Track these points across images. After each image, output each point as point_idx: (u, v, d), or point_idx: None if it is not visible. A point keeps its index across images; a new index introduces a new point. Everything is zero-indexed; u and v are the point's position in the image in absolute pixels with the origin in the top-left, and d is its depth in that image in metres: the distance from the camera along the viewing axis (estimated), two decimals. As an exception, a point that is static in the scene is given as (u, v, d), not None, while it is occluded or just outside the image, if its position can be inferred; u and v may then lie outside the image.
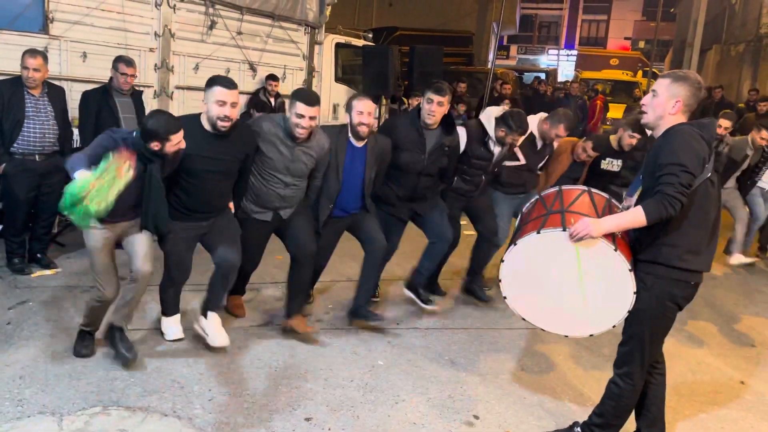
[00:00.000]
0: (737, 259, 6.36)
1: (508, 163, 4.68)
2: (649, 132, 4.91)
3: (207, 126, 3.44)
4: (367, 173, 3.99)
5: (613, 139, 5.04)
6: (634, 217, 2.61)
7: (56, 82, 5.13)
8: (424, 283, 4.57)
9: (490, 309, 4.73)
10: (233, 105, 3.39)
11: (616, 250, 2.70)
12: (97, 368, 3.41)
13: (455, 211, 4.59)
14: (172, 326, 3.84)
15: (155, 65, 6.46)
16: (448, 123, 4.22)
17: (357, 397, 3.37)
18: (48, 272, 4.77)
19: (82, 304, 4.20)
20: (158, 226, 3.36)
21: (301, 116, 3.57)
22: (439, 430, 3.12)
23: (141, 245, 3.40)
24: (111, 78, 5.08)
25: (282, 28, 7.80)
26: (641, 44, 35.90)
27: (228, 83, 3.40)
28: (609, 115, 13.35)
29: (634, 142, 4.87)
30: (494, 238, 4.72)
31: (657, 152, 2.62)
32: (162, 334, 3.83)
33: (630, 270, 2.70)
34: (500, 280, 3.01)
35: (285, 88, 7.79)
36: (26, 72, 4.52)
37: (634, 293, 2.73)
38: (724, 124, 6.00)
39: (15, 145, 4.52)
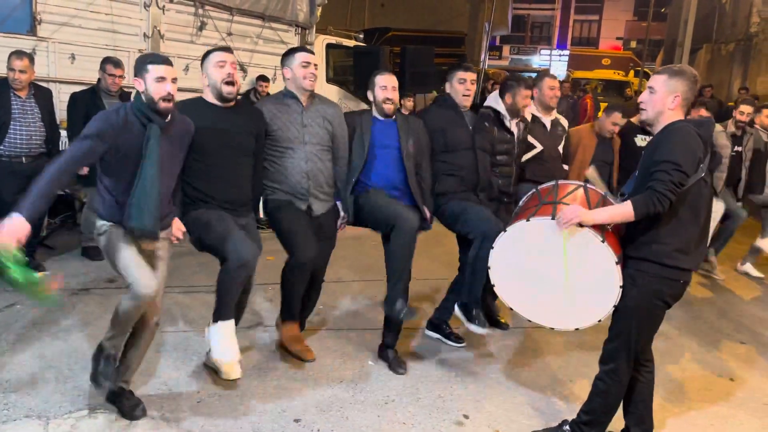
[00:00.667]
0: (748, 269, 6.17)
1: (527, 156, 4.36)
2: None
3: (212, 99, 3.22)
4: (403, 143, 3.66)
5: (634, 120, 4.99)
6: (622, 210, 2.64)
7: (44, 84, 5.11)
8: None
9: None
10: (233, 65, 3.20)
11: (603, 241, 2.70)
12: (84, 372, 3.37)
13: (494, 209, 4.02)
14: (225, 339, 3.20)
15: (144, 66, 6.44)
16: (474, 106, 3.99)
17: (347, 397, 3.35)
18: (36, 275, 4.72)
19: (71, 307, 4.19)
20: (143, 221, 2.75)
21: (304, 62, 3.45)
22: (428, 429, 3.11)
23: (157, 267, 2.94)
24: (99, 79, 5.05)
25: (272, 29, 7.80)
26: (633, 44, 36.04)
27: (224, 48, 3.28)
28: (600, 114, 13.39)
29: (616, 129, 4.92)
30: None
31: (654, 149, 2.63)
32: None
33: (617, 263, 2.70)
34: (489, 267, 3.03)
35: (275, 88, 7.76)
36: (12, 74, 4.51)
37: (620, 287, 2.72)
38: (746, 110, 5.68)
39: (1, 147, 4.50)
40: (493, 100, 4.17)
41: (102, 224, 2.86)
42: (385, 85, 3.65)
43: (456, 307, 3.76)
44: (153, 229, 2.79)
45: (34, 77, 4.74)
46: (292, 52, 3.59)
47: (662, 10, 25.63)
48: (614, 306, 2.76)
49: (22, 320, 3.98)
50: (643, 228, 2.67)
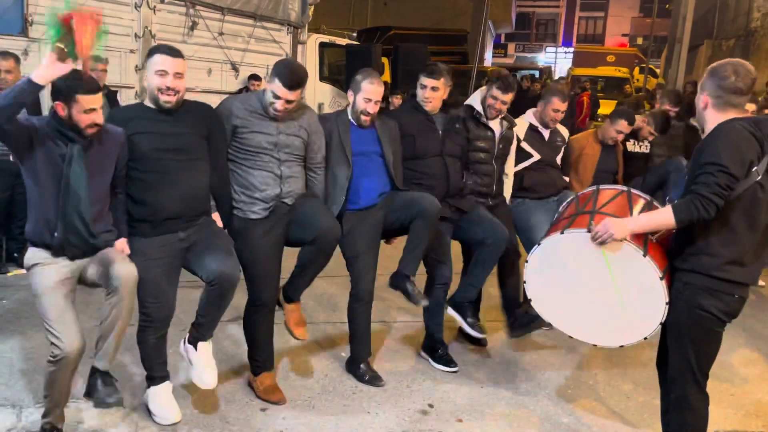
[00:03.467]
0: None
1: (522, 165, 4.24)
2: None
3: (150, 104, 2.88)
4: (385, 149, 3.46)
5: (640, 121, 4.93)
6: (662, 217, 2.46)
7: (34, 84, 5.21)
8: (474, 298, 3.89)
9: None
10: (177, 75, 2.81)
11: (645, 255, 2.53)
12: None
13: (481, 210, 3.90)
14: (163, 403, 3.00)
15: (136, 66, 6.54)
16: (445, 105, 3.82)
17: (316, 388, 3.43)
18: (23, 271, 4.83)
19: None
20: (77, 238, 2.62)
21: (277, 98, 3.02)
22: (393, 418, 3.18)
23: (112, 252, 2.74)
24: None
25: (264, 28, 7.89)
26: (639, 41, 35.93)
27: (170, 50, 2.85)
28: (600, 111, 13.39)
29: (648, 136, 4.86)
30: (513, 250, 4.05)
31: (700, 152, 2.44)
32: (149, 412, 3.02)
33: (661, 278, 2.53)
34: (524, 282, 2.91)
35: (267, 87, 7.86)
36: (-2, 74, 4.60)
37: (666, 304, 2.54)
38: (750, 108, 5.27)
39: (-12, 145, 4.59)
40: (473, 98, 4.07)
41: (31, 256, 2.69)
42: (370, 98, 3.36)
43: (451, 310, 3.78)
44: (90, 246, 2.68)
45: (21, 77, 4.83)
46: (272, 75, 3.10)
47: (666, 7, 25.53)
48: (661, 323, 2.60)
49: (9, 315, 4.10)
50: (691, 238, 2.47)
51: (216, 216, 3.10)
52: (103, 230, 2.75)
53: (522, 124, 4.32)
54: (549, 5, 38.77)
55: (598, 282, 2.69)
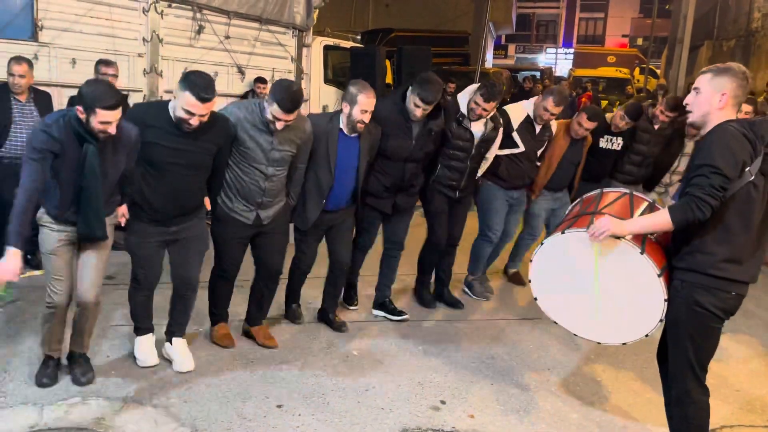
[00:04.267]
0: None
1: (506, 152, 4.49)
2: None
3: (173, 115, 3.10)
4: (361, 164, 3.81)
5: (608, 116, 5.08)
6: (660, 219, 2.53)
7: (46, 88, 5.27)
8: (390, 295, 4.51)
9: (467, 299, 4.86)
10: (201, 117, 3.06)
11: (642, 253, 2.61)
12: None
13: (442, 207, 4.39)
14: (146, 350, 3.55)
15: (144, 70, 6.60)
16: (434, 108, 3.97)
17: (329, 385, 3.49)
18: (37, 272, 4.90)
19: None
20: (91, 228, 3.02)
21: (276, 119, 3.32)
22: (405, 414, 3.25)
23: (90, 268, 3.17)
24: (96, 82, 5.22)
25: (270, 31, 7.94)
26: (639, 41, 36.00)
27: (202, 93, 2.98)
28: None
29: (622, 125, 4.95)
30: (454, 243, 4.63)
31: (696, 153, 2.53)
32: (134, 358, 3.55)
33: (659, 275, 2.60)
34: (530, 281, 3.01)
35: (273, 90, 7.93)
36: (12, 78, 4.68)
37: (665, 301, 2.62)
38: (746, 108, 5.32)
39: (2, 149, 4.67)
40: (462, 96, 4.25)
41: (40, 215, 3.08)
42: (366, 110, 3.59)
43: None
44: (101, 235, 3.09)
45: (33, 81, 4.91)
46: (271, 96, 3.33)
47: (666, 7, 25.60)
48: (661, 320, 2.68)
49: (23, 315, 4.15)
50: (687, 237, 2.54)
51: (206, 200, 3.55)
52: (109, 207, 3.18)
53: (520, 113, 4.57)
54: (549, 6, 38.85)
55: (599, 281, 2.77)
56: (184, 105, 3.01)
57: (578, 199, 3.29)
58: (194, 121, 3.05)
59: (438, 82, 3.87)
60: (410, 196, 4.26)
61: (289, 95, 3.27)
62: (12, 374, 3.38)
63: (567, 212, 3.30)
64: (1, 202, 4.76)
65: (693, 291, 2.53)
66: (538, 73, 19.55)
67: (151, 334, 3.60)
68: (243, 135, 3.39)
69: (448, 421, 3.22)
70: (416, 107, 3.83)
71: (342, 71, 9.78)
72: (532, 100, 4.70)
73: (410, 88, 3.88)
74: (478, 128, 4.18)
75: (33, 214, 2.95)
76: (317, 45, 9.08)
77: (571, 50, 35.89)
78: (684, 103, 2.66)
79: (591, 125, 4.73)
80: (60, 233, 3.08)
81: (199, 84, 2.99)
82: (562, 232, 2.86)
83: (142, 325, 3.58)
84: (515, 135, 4.50)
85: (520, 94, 12.52)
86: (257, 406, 3.24)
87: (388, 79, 10.83)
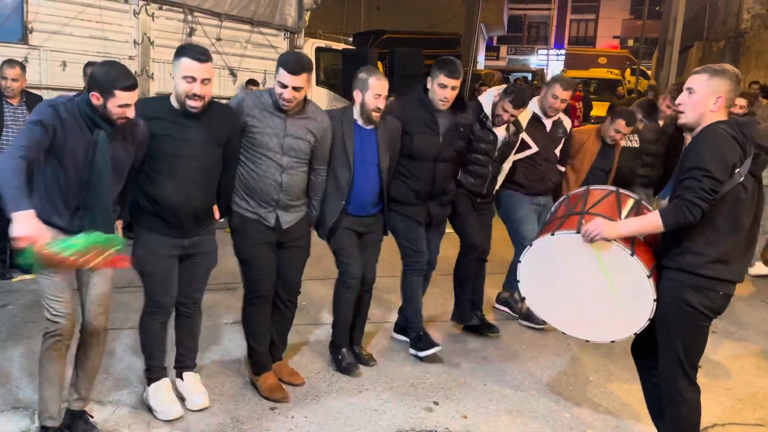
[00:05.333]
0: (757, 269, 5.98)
1: (520, 155, 4.28)
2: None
3: (175, 104, 2.91)
4: (382, 159, 3.51)
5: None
6: (651, 222, 2.55)
7: (36, 91, 5.26)
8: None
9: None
10: (204, 82, 2.84)
11: (633, 255, 2.63)
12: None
13: (469, 207, 4.12)
14: (166, 398, 3.09)
15: (135, 72, 6.58)
16: (458, 102, 3.74)
17: (323, 387, 3.50)
18: (28, 277, 4.88)
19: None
20: (98, 227, 2.56)
21: (284, 86, 3.04)
22: (399, 416, 3.25)
23: (97, 288, 2.76)
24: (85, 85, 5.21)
25: (261, 33, 7.94)
26: (630, 42, 36.21)
27: (199, 55, 2.82)
28: (593, 113, 13.52)
29: (638, 123, 4.82)
30: (484, 256, 4.25)
31: (686, 155, 2.52)
32: (150, 410, 3.10)
33: (648, 276, 2.63)
34: (518, 281, 3.01)
35: (265, 92, 7.93)
36: (4, 82, 4.67)
37: (654, 301, 2.64)
38: (740, 102, 5.42)
39: (-7, 153, 4.64)
40: (486, 98, 4.08)
41: None
42: (380, 94, 3.39)
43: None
44: (100, 228, 2.64)
45: (26, 85, 4.89)
46: (278, 66, 3.10)
47: (657, 9, 25.77)
48: (649, 319, 2.70)
49: (14, 320, 4.14)
50: (677, 238, 2.56)
51: (214, 208, 3.20)
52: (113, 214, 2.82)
53: (525, 113, 4.23)
54: (540, 8, 39.02)
55: (589, 281, 2.80)
56: (184, 72, 2.82)
57: (564, 197, 3.26)
58: (198, 89, 2.82)
59: (458, 63, 3.68)
60: (443, 206, 3.93)
61: (294, 57, 3.17)
62: (4, 379, 3.37)
63: (553, 209, 3.23)
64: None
65: (682, 290, 2.55)
66: (530, 75, 19.63)
67: (166, 378, 3.18)
68: (252, 120, 3.12)
69: (441, 421, 3.23)
70: (442, 88, 3.58)
71: (334, 73, 9.79)
72: (535, 98, 4.52)
73: (431, 75, 3.66)
74: (500, 131, 4.06)
75: (30, 178, 2.47)
76: (309, 47, 9.10)
77: (563, 52, 36.04)
78: (676, 103, 2.64)
79: (628, 130, 4.57)
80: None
81: (193, 48, 2.90)
82: (552, 234, 2.86)
83: (157, 363, 3.15)
84: (525, 135, 4.27)
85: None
86: (250, 408, 3.24)
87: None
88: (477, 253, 4.13)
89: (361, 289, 3.63)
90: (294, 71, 3.03)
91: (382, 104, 3.42)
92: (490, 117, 3.99)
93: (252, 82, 7.68)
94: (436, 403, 3.40)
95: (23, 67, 4.81)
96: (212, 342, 3.95)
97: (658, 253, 2.72)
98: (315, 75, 9.26)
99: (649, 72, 24.59)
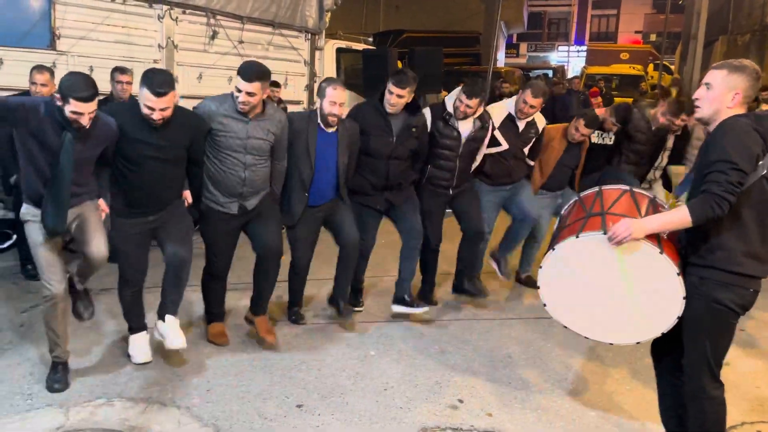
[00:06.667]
0: None
1: (490, 151, 4.60)
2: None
3: (144, 111, 3.26)
4: (341, 158, 3.98)
5: (599, 112, 5.10)
6: (679, 217, 2.49)
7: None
8: (409, 290, 4.46)
9: (482, 301, 4.86)
10: (162, 111, 3.21)
11: (662, 252, 2.60)
12: (102, 364, 3.62)
13: (438, 207, 4.49)
14: (139, 347, 3.65)
15: (159, 76, 6.68)
16: (412, 106, 4.18)
17: (348, 384, 3.53)
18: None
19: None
20: (55, 223, 3.03)
21: (239, 91, 3.49)
22: (424, 413, 3.28)
23: (91, 228, 3.22)
24: (112, 90, 5.32)
25: (282, 35, 8.00)
26: (653, 37, 35.71)
27: (157, 88, 3.15)
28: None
29: (612, 128, 4.95)
30: (479, 236, 4.63)
31: (707, 148, 2.49)
32: (129, 356, 3.66)
33: (678, 274, 2.60)
34: (539, 287, 2.96)
35: (287, 94, 7.99)
36: (34, 87, 4.77)
37: (684, 298, 2.61)
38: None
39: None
40: (449, 97, 4.41)
41: (25, 211, 3.21)
42: (335, 101, 3.82)
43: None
44: (61, 229, 3.11)
45: (55, 90, 4.99)
46: (238, 72, 3.55)
47: (680, 2, 25.36)
48: (678, 317, 2.66)
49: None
50: (704, 234, 2.53)
51: (187, 193, 3.66)
52: (81, 192, 3.22)
53: (501, 111, 4.65)
54: (561, 4, 38.69)
55: (616, 282, 2.76)
56: (143, 101, 3.21)
57: (574, 200, 3.22)
58: (156, 116, 3.21)
59: (410, 74, 4.12)
60: (401, 190, 4.33)
61: (249, 65, 3.58)
62: (37, 377, 3.46)
63: (565, 213, 3.21)
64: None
65: (712, 288, 2.53)
66: (550, 72, 19.49)
67: (145, 332, 3.71)
68: (217, 125, 3.58)
69: (466, 419, 3.25)
70: (390, 94, 4.03)
71: (355, 73, 9.80)
72: (513, 98, 4.81)
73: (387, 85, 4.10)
74: (465, 127, 4.35)
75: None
76: (330, 48, 9.14)
77: (584, 48, 35.69)
78: (693, 98, 2.63)
79: (587, 131, 4.81)
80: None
81: (154, 80, 3.19)
82: (576, 236, 2.81)
83: (134, 324, 3.69)
84: (497, 133, 4.59)
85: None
86: (277, 406, 3.28)
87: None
88: (431, 247, 4.56)
89: (351, 253, 4.16)
90: (249, 79, 3.47)
91: (337, 110, 3.84)
92: (453, 113, 4.31)
93: (273, 84, 7.74)
94: (460, 401, 3.41)
95: (52, 73, 4.91)
96: (240, 341, 4.02)
97: (685, 250, 2.69)
98: (335, 76, 9.30)
99: (672, 67, 24.25)
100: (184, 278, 3.61)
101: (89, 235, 3.24)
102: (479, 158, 4.60)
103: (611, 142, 5.04)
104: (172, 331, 3.57)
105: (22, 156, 3.10)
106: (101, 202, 3.39)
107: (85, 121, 2.96)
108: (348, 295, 4.39)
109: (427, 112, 4.38)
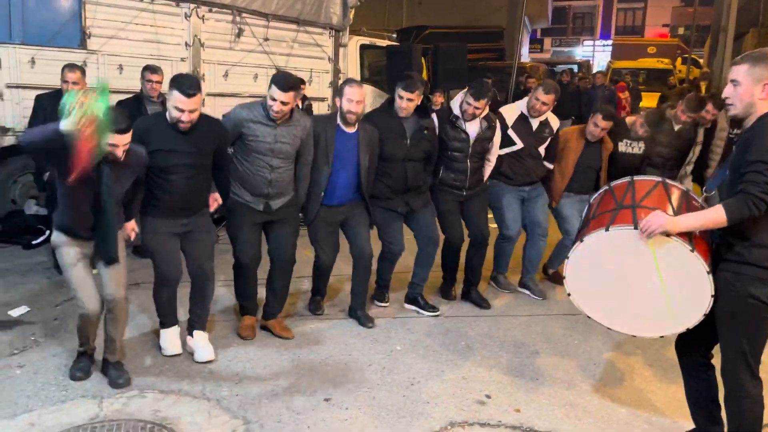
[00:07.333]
0: None
1: (505, 150, 4.64)
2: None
3: (170, 120, 3.43)
4: (362, 158, 4.03)
5: (628, 121, 5.04)
6: (714, 216, 2.49)
7: (95, 94, 5.47)
8: (421, 291, 4.57)
9: (509, 296, 4.86)
10: (191, 112, 3.35)
11: (693, 250, 2.58)
12: (135, 357, 3.68)
13: (454, 206, 4.54)
14: (170, 340, 3.76)
15: (186, 74, 6.77)
16: (421, 108, 4.27)
17: (375, 379, 3.55)
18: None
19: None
20: (108, 252, 3.24)
21: (274, 99, 3.63)
22: (451, 408, 3.28)
23: (112, 268, 3.32)
24: (141, 88, 5.40)
25: (307, 32, 8.04)
26: (680, 30, 35.10)
27: (187, 90, 3.30)
28: (642, 104, 13.19)
29: (641, 132, 4.88)
30: (484, 242, 4.65)
31: (745, 146, 2.45)
32: (160, 348, 3.76)
33: (708, 272, 2.59)
34: (564, 277, 2.95)
35: (312, 91, 8.03)
36: (66, 85, 4.85)
37: (712, 296, 2.60)
38: None
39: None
40: (455, 101, 4.48)
41: (56, 237, 3.30)
42: (352, 98, 3.90)
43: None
44: (116, 257, 3.28)
45: (86, 88, 5.08)
46: (272, 81, 3.67)
47: (708, -5, 24.88)
48: (704, 315, 2.66)
49: (79, 312, 4.33)
50: (740, 231, 2.51)
51: (216, 195, 3.76)
52: (118, 224, 3.35)
53: (514, 111, 4.73)
54: (586, -2, 38.23)
55: (643, 276, 2.74)
56: (174, 103, 3.34)
57: (606, 187, 3.16)
58: (185, 117, 3.34)
59: (418, 78, 4.25)
60: (420, 194, 4.39)
61: (284, 76, 3.74)
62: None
63: (594, 202, 3.14)
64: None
65: (748, 284, 2.51)
66: (575, 67, 19.28)
67: (176, 326, 3.82)
68: (247, 130, 3.73)
69: (494, 415, 3.24)
70: (400, 99, 4.11)
71: (378, 70, 9.83)
72: (525, 98, 4.82)
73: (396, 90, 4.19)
74: (473, 128, 4.41)
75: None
76: (354, 44, 9.16)
77: (609, 42, 35.19)
78: (723, 97, 2.60)
79: (606, 125, 4.72)
80: (76, 248, 3.27)
81: (184, 83, 3.35)
82: (606, 229, 2.79)
83: (167, 320, 3.80)
84: (511, 132, 4.65)
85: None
86: (306, 399, 3.31)
87: (425, 76, 10.84)
88: (454, 246, 4.63)
89: (362, 267, 4.24)
90: (283, 89, 3.62)
91: (354, 108, 3.91)
92: (460, 115, 4.37)
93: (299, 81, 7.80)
94: (488, 397, 3.41)
95: (83, 71, 5.00)
96: (268, 335, 4.06)
97: (718, 247, 2.66)
98: (360, 72, 9.33)
99: (701, 60, 23.80)
100: (209, 295, 3.78)
101: (107, 276, 3.33)
102: (493, 159, 4.61)
103: (641, 151, 4.95)
104: (201, 346, 3.71)
105: (59, 188, 3.20)
106: (129, 224, 3.50)
107: (120, 153, 3.07)
108: (366, 305, 4.42)
109: (434, 118, 4.43)
